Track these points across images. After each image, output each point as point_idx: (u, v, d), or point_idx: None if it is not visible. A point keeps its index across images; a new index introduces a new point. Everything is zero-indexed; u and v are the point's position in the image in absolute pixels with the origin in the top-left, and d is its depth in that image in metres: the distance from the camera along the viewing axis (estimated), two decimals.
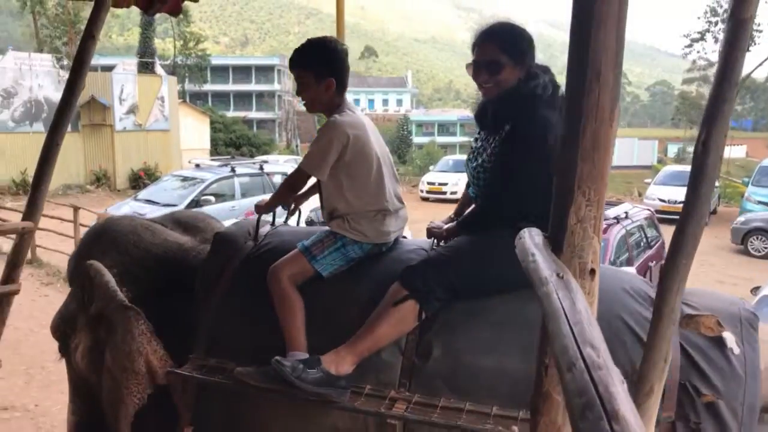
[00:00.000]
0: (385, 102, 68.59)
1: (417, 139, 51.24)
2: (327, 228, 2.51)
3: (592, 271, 1.33)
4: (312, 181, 2.62)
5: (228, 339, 2.42)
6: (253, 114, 58.32)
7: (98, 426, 2.62)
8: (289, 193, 2.66)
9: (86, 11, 33.40)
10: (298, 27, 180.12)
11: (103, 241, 2.80)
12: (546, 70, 2.30)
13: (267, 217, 2.80)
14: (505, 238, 2.08)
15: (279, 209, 2.80)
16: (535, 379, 1.33)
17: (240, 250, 2.62)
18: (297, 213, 2.94)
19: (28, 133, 19.87)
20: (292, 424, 2.30)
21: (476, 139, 2.46)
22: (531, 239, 1.32)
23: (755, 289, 6.29)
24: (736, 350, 1.91)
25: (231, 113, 47.82)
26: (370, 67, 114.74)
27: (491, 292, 2.19)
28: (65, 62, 22.36)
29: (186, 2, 3.99)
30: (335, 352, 2.16)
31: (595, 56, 1.25)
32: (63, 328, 2.77)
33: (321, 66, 2.45)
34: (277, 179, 13.20)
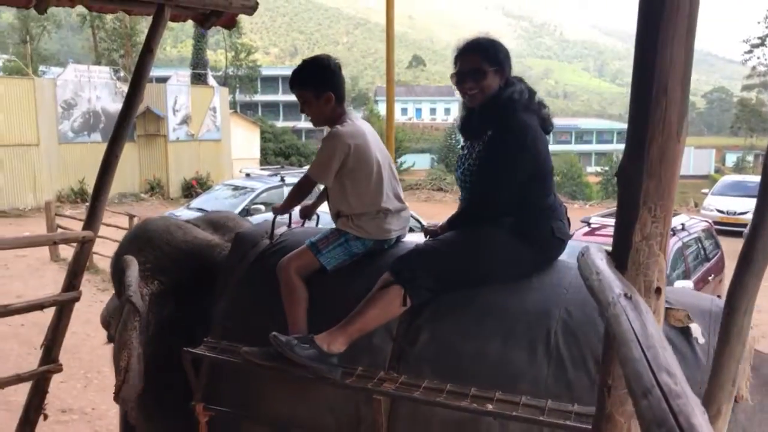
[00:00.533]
0: (433, 111, 68.50)
1: None
2: (333, 226, 2.73)
3: (658, 290, 1.28)
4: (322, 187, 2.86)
5: (239, 324, 2.64)
6: (302, 124, 58.85)
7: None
8: (298, 197, 2.88)
9: (142, 24, 34.45)
10: (346, 37, 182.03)
11: (139, 240, 3.07)
12: (521, 79, 2.51)
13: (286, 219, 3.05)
14: (487, 232, 2.36)
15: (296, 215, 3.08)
16: (597, 401, 1.30)
17: (256, 248, 2.86)
18: (316, 218, 3.18)
19: (87, 143, 20.54)
20: (291, 402, 2.48)
21: (462, 148, 2.66)
22: (594, 256, 1.29)
23: None
24: (701, 340, 2.03)
25: (280, 123, 48.48)
26: (418, 76, 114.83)
27: (474, 282, 2.35)
28: (122, 74, 23.10)
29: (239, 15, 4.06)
30: (328, 332, 2.35)
31: (662, 69, 1.21)
32: (108, 318, 3.06)
33: (318, 82, 2.67)
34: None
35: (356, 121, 2.73)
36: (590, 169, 41.33)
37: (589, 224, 7.69)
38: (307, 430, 2.43)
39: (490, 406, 2.00)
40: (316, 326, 2.43)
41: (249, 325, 2.57)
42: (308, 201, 3.08)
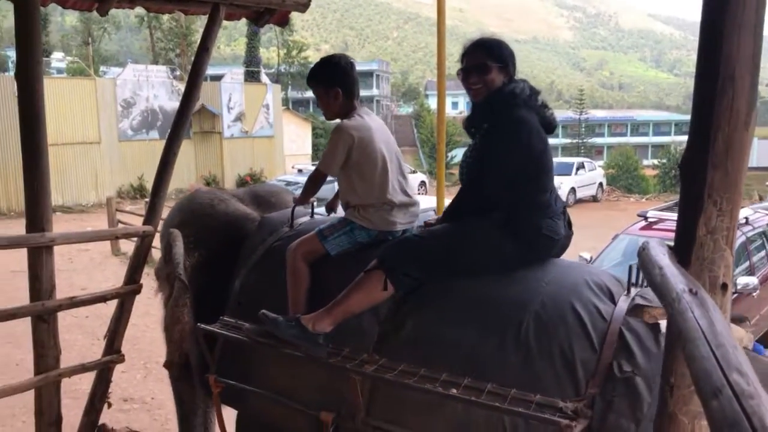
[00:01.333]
0: None
1: None
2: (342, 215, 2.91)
3: (724, 286, 1.24)
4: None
5: (250, 303, 2.82)
6: None
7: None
8: (312, 189, 3.04)
9: (197, 23, 35.15)
10: (396, 32, 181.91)
11: (184, 212, 3.31)
12: (524, 81, 2.56)
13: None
14: (473, 224, 2.42)
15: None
16: (659, 400, 1.26)
17: (275, 233, 3.07)
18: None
19: (145, 141, 21.15)
20: (285, 378, 2.67)
21: (468, 147, 2.72)
22: (656, 250, 1.25)
23: None
24: None
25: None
26: None
27: (459, 273, 2.42)
28: (178, 73, 23.63)
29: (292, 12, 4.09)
30: (315, 313, 2.50)
31: (729, 57, 1.16)
32: (157, 273, 3.34)
33: (327, 79, 2.85)
34: None
35: (365, 115, 2.86)
36: (646, 162, 40.20)
37: (646, 218, 7.48)
38: (298, 405, 2.59)
39: (454, 391, 2.09)
40: (315, 308, 2.57)
41: (259, 305, 2.70)
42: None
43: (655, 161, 32.55)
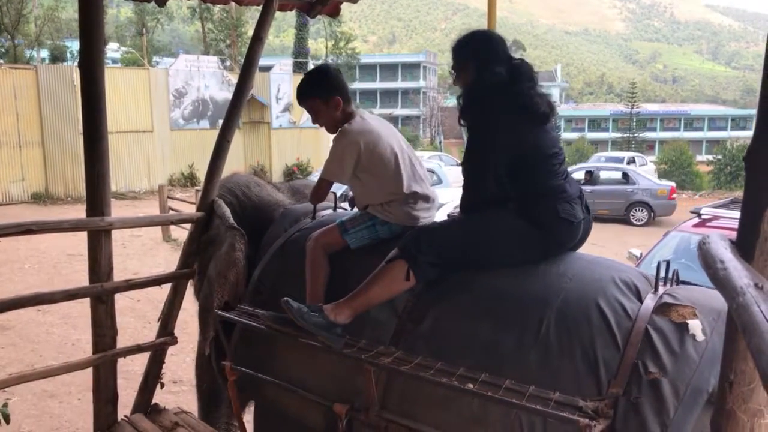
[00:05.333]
0: None
1: (566, 135, 49.52)
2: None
3: None
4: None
5: (269, 290, 2.90)
6: (399, 111, 59.31)
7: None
8: (315, 200, 3.02)
9: (247, 15, 35.45)
10: (444, 23, 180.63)
11: (222, 187, 3.49)
12: (518, 64, 2.49)
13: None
14: (491, 213, 2.40)
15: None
16: (717, 396, 1.24)
17: (296, 224, 3.14)
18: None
19: (196, 130, 21.57)
20: (301, 367, 2.68)
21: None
22: (717, 244, 1.22)
23: None
24: (699, 337, 1.97)
25: (378, 110, 48.97)
26: None
27: (479, 262, 2.41)
28: (228, 63, 23.95)
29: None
30: (335, 303, 2.49)
31: None
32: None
33: (324, 90, 2.80)
34: None
35: (366, 117, 2.82)
36: (700, 157, 39.07)
37: (699, 215, 7.28)
38: (312, 395, 2.59)
39: (471, 386, 2.05)
40: (332, 299, 2.56)
41: (277, 293, 2.71)
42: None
43: (710, 157, 31.56)
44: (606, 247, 10.28)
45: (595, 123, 59.12)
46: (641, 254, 6.93)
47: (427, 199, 2.82)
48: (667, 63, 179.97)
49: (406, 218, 2.76)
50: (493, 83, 2.42)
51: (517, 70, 2.46)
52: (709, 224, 7.04)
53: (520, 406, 1.94)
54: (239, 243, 2.99)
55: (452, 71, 2.61)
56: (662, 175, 27.11)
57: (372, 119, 2.86)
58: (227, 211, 3.22)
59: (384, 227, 2.78)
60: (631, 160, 23.72)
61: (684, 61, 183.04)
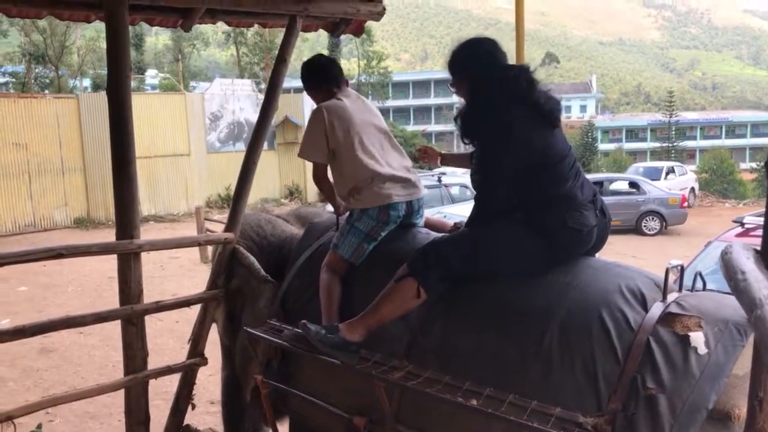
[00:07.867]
0: (568, 109, 66.25)
1: (603, 146, 48.81)
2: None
3: None
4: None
5: (295, 306, 2.99)
6: (432, 127, 59.33)
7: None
8: (318, 184, 3.16)
9: (279, 37, 36.38)
10: None
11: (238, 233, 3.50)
12: (518, 70, 2.49)
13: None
14: (498, 225, 2.39)
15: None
16: (747, 415, 1.17)
17: (321, 238, 3.17)
18: None
19: (232, 152, 21.87)
20: (323, 381, 2.76)
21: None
22: (740, 254, 1.16)
23: None
24: (702, 351, 1.90)
25: (411, 127, 49.06)
26: (551, 74, 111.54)
27: (486, 275, 2.39)
28: (263, 86, 24.32)
29: (369, 23, 4.14)
30: (349, 322, 2.54)
31: None
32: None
33: (313, 81, 3.11)
34: (455, 191, 13.23)
35: (343, 97, 3.00)
36: (744, 165, 38.05)
37: (742, 224, 7.05)
38: (335, 408, 2.67)
39: (474, 402, 2.05)
40: (345, 318, 2.63)
41: (302, 309, 2.84)
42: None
43: (754, 164, 30.73)
44: (647, 259, 10.03)
45: (633, 133, 58.20)
46: (682, 265, 6.74)
47: (395, 179, 2.86)
48: (705, 70, 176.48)
49: (376, 198, 2.82)
50: (494, 94, 2.42)
51: (517, 76, 2.46)
52: (752, 233, 6.81)
53: (519, 424, 1.93)
54: (278, 294, 3.10)
55: (451, 87, 2.64)
56: (703, 184, 26.50)
57: (348, 99, 3.01)
58: (254, 262, 3.29)
59: (361, 220, 2.84)
60: (670, 170, 23.24)
61: (724, 67, 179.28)
